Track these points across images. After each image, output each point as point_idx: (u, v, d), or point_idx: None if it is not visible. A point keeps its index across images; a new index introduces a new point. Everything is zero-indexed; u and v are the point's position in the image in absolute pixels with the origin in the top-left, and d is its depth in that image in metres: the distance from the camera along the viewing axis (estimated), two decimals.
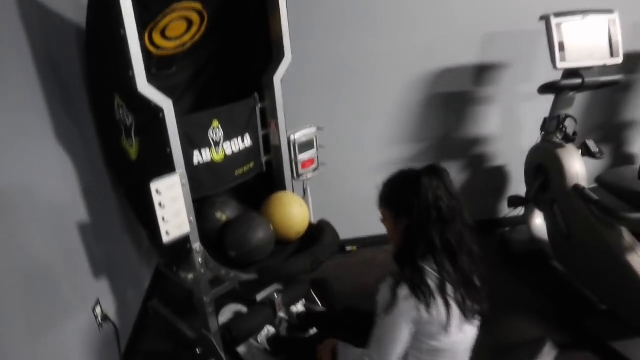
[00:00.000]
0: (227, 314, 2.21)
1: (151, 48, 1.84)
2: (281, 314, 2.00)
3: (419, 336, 1.32)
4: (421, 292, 1.26)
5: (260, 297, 2.27)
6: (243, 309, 2.23)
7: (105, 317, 1.94)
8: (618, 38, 2.18)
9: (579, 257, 2.31)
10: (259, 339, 2.10)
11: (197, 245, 1.80)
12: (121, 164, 1.95)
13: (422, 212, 1.29)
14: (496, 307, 2.16)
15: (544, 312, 2.30)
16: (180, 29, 1.91)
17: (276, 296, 1.98)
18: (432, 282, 1.28)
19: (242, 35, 2.09)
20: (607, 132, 2.93)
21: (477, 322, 1.39)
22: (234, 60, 2.16)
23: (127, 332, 2.18)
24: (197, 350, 2.09)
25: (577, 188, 2.10)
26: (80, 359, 1.74)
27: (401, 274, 1.32)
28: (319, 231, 1.98)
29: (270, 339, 2.06)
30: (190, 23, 1.92)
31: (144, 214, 1.98)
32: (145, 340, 2.28)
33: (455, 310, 1.28)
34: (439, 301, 1.27)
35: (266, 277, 1.68)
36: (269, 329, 2.11)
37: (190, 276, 1.85)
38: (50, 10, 1.76)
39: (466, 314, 1.31)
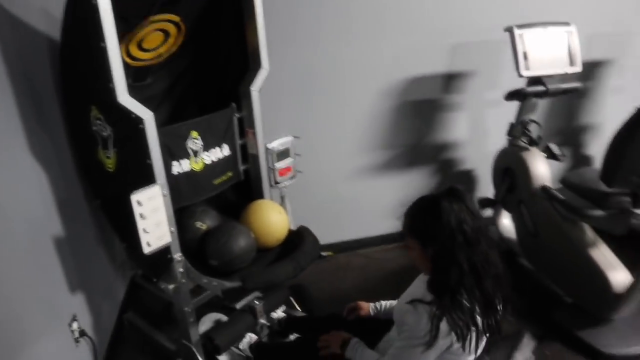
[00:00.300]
0: (207, 323, 2.21)
1: (127, 59, 1.84)
2: (262, 321, 2.01)
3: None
4: (459, 328, 1.24)
5: (239, 305, 2.29)
6: (223, 317, 2.24)
7: (82, 333, 1.90)
8: (576, 48, 2.32)
9: (545, 254, 2.42)
10: (240, 347, 2.11)
11: (177, 255, 1.80)
12: (97, 175, 1.93)
13: (447, 237, 1.26)
14: None
15: (516, 307, 2.39)
16: (157, 41, 1.92)
17: (257, 303, 1.99)
18: (465, 312, 1.27)
19: (218, 45, 2.11)
20: (567, 136, 3.09)
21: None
22: (210, 71, 2.17)
23: (104, 346, 2.14)
24: None
25: (545, 189, 2.22)
26: None
27: (439, 305, 1.27)
28: (298, 237, 2.01)
29: (253, 346, 2.07)
30: (167, 34, 1.93)
31: (122, 226, 1.97)
32: (122, 354, 2.24)
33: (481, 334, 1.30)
34: (472, 332, 1.27)
35: (250, 283, 1.70)
36: (251, 336, 2.12)
37: (171, 286, 1.84)
38: (22, 22, 1.73)
39: (485, 334, 1.33)
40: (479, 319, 1.28)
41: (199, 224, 1.93)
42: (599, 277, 2.08)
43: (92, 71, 1.61)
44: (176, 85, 2.19)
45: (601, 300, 2.10)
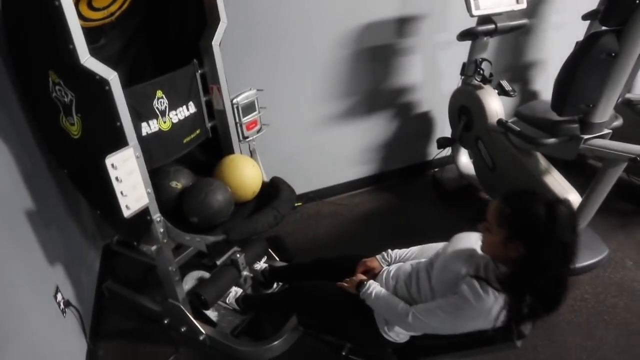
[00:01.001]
0: (190, 281, 2.24)
1: (79, 20, 1.76)
2: (245, 273, 2.06)
3: None
4: (512, 324, 1.27)
5: (219, 261, 2.33)
6: (205, 274, 2.27)
7: (67, 303, 1.90)
8: None
9: (503, 185, 2.59)
10: (227, 301, 2.16)
11: (157, 216, 1.81)
12: (61, 144, 1.86)
13: (551, 248, 1.20)
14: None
15: None
16: None
17: (239, 256, 2.04)
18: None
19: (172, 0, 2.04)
20: (514, 72, 3.24)
21: None
22: (166, 28, 2.10)
23: (89, 316, 2.15)
24: (165, 321, 2.12)
25: (501, 122, 2.35)
26: (50, 348, 1.70)
27: (510, 302, 1.26)
28: (273, 188, 2.05)
29: (240, 299, 2.13)
30: None
31: (94, 193, 1.93)
32: (108, 321, 2.25)
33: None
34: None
35: (234, 235, 1.73)
36: (236, 290, 2.18)
37: (154, 248, 1.86)
38: None
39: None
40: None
41: (174, 184, 1.92)
42: None
43: (47, 34, 1.54)
44: (130, 44, 2.11)
45: None
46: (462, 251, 1.46)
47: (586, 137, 2.05)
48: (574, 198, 2.26)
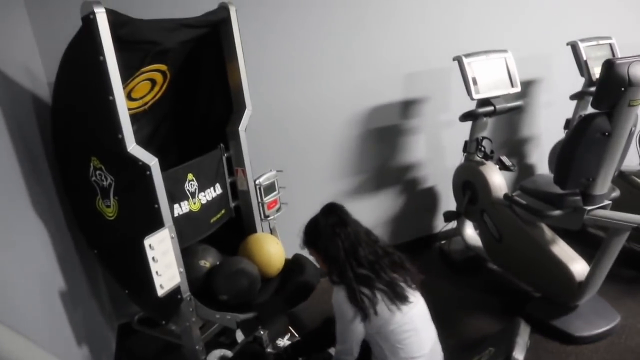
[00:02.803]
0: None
1: None
2: (269, 350, 2.07)
3: (378, 329, 1.60)
4: (362, 307, 1.57)
5: (240, 338, 2.34)
6: (228, 353, 2.26)
7: None
8: (514, 71, 2.65)
9: (510, 255, 2.68)
10: None
11: (187, 295, 1.86)
12: (94, 225, 1.94)
13: (329, 242, 1.67)
14: (450, 310, 2.47)
15: (491, 307, 2.62)
16: (144, 90, 2.00)
17: (262, 332, 2.06)
18: (366, 290, 1.59)
19: (199, 89, 2.22)
20: (511, 148, 3.44)
21: (418, 297, 1.70)
22: (192, 114, 2.27)
23: None
24: None
25: (507, 196, 2.48)
26: None
27: (347, 292, 1.60)
28: (297, 264, 2.13)
29: None
30: (153, 83, 2.02)
31: (124, 273, 1.98)
32: None
33: (390, 296, 1.60)
34: (379, 302, 1.58)
35: (266, 313, 1.78)
36: None
37: (182, 326, 1.89)
38: (11, 80, 1.76)
39: (401, 300, 1.61)
40: (380, 289, 1.60)
41: (202, 262, 1.99)
42: (562, 270, 2.34)
43: (95, 124, 1.67)
44: (159, 130, 2.26)
45: (566, 290, 2.36)
46: None
47: (589, 208, 2.18)
48: (581, 266, 2.34)
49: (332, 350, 1.99)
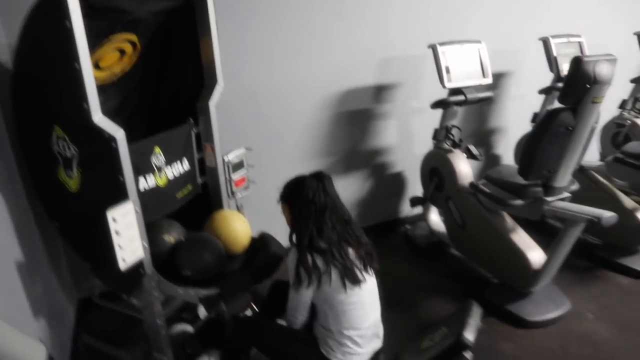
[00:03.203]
0: (173, 334, 2.21)
1: None
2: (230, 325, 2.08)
3: (325, 297, 1.67)
4: (308, 275, 1.63)
5: (202, 314, 2.34)
6: (188, 327, 2.27)
7: (50, 358, 1.85)
8: (487, 62, 2.69)
9: (472, 242, 2.76)
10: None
11: (150, 269, 1.84)
12: (55, 197, 1.88)
13: (303, 205, 1.71)
14: (411, 293, 2.52)
15: (451, 292, 2.71)
16: (113, 59, 1.94)
17: (224, 309, 2.07)
18: (320, 261, 1.64)
19: (170, 62, 2.16)
20: (479, 138, 3.52)
21: (370, 278, 1.75)
22: (161, 87, 2.21)
23: None
24: None
25: (473, 185, 2.54)
26: None
27: (298, 257, 1.66)
28: (262, 242, 2.13)
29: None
30: (122, 53, 1.96)
31: (86, 246, 1.94)
32: None
33: (342, 275, 1.65)
34: (331, 275, 1.64)
35: (229, 289, 1.78)
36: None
37: (143, 301, 1.87)
38: None
39: (353, 282, 1.66)
40: (337, 264, 1.65)
41: (166, 237, 1.96)
42: (519, 258, 2.43)
43: (59, 92, 1.61)
44: (127, 102, 2.20)
45: (523, 277, 2.45)
46: None
47: (549, 199, 2.26)
48: (538, 254, 2.44)
49: (281, 321, 2.03)
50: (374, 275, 1.78)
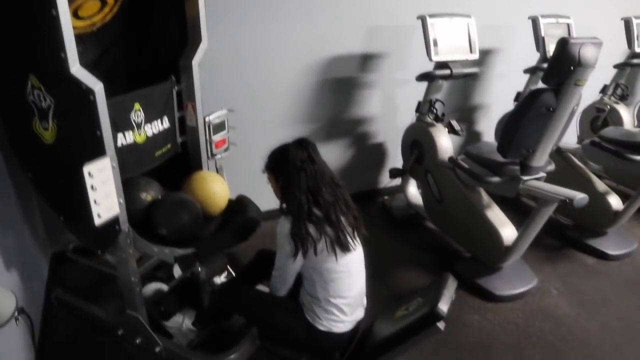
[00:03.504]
0: (147, 293, 2.23)
1: None
2: (205, 286, 2.10)
3: (314, 264, 1.68)
4: (303, 244, 1.62)
5: (177, 273, 2.35)
6: (163, 286, 2.28)
7: (21, 310, 1.85)
8: (475, 38, 2.68)
9: (448, 216, 2.81)
10: (183, 326, 2.16)
11: (125, 226, 1.83)
12: (30, 148, 1.84)
13: (293, 174, 1.67)
14: (386, 263, 2.56)
15: (425, 263, 2.78)
16: (93, 9, 1.87)
17: (199, 269, 2.08)
18: (312, 229, 1.63)
19: (152, 17, 2.09)
20: (462, 113, 3.53)
21: (357, 246, 1.76)
22: (144, 42, 2.15)
23: (37, 325, 2.09)
24: (119, 332, 2.10)
25: (452, 159, 2.57)
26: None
27: (292, 226, 1.64)
28: (240, 205, 2.13)
29: (195, 319, 2.13)
30: (103, 3, 1.89)
31: (60, 199, 1.92)
32: (56, 332, 2.19)
33: (333, 243, 1.64)
34: (324, 243, 1.63)
35: (205, 249, 1.79)
36: (190, 314, 2.17)
37: (118, 257, 1.87)
38: None
39: (343, 248, 1.66)
40: (327, 233, 1.64)
41: (143, 195, 1.95)
42: (492, 233, 2.49)
43: (36, 40, 1.56)
44: (106, 54, 2.13)
45: (494, 253, 2.52)
46: None
47: (525, 178, 2.30)
48: (511, 231, 2.50)
49: (262, 287, 2.06)
50: (360, 244, 1.78)
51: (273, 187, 1.82)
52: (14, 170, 2.04)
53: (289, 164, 1.69)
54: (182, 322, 2.13)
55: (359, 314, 1.82)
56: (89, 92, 1.57)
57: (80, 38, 1.94)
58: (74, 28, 1.83)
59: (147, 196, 1.96)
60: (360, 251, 1.79)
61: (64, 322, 2.24)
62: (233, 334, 2.08)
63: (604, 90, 3.59)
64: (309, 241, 1.62)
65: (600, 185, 2.99)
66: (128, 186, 1.94)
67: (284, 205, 1.72)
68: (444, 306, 1.50)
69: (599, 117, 3.61)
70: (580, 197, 2.13)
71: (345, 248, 1.67)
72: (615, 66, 3.47)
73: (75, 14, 1.80)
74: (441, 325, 1.49)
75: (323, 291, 1.70)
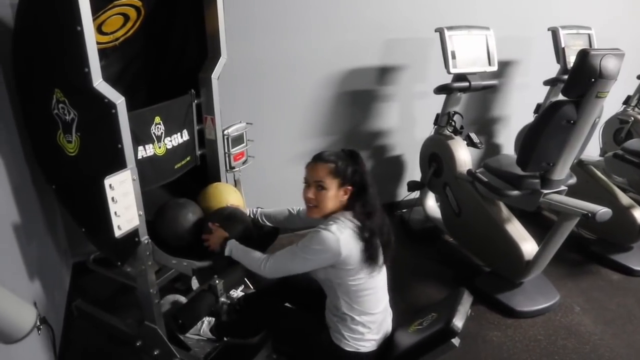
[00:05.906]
0: (165, 305, 2.25)
1: None
2: (223, 299, 2.10)
3: (341, 279, 1.63)
4: (372, 250, 1.59)
5: (195, 286, 2.37)
6: (181, 298, 2.30)
7: (43, 320, 1.87)
8: (494, 50, 2.66)
9: (467, 230, 2.78)
10: (201, 332, 2.17)
11: (145, 238, 1.85)
12: (54, 160, 1.88)
13: (367, 179, 1.67)
14: (404, 277, 2.53)
15: (443, 277, 2.74)
16: (116, 24, 1.92)
17: (217, 281, 2.09)
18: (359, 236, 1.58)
19: (173, 31, 2.14)
20: (481, 126, 3.50)
21: (383, 265, 1.72)
22: (164, 56, 2.19)
23: (59, 334, 2.11)
24: (137, 343, 2.12)
25: (471, 172, 2.54)
26: None
27: (360, 230, 1.59)
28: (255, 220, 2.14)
29: (213, 327, 2.15)
30: (126, 18, 1.93)
31: (82, 211, 1.95)
32: (76, 342, 2.22)
33: (368, 259, 1.60)
34: (361, 258, 1.59)
35: (223, 262, 1.80)
36: (209, 320, 2.20)
37: (137, 269, 1.89)
38: None
39: (374, 263, 1.63)
40: (368, 248, 1.60)
41: (190, 216, 1.97)
42: (512, 248, 2.45)
43: (61, 55, 1.60)
44: (127, 69, 2.18)
45: (514, 267, 2.47)
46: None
47: (546, 192, 2.27)
48: (531, 245, 2.46)
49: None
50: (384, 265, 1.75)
51: (326, 196, 1.67)
52: (38, 181, 2.08)
53: (362, 168, 1.68)
54: (200, 328, 2.16)
55: (386, 328, 1.78)
56: (111, 105, 1.60)
57: (103, 52, 2.00)
58: (98, 43, 1.90)
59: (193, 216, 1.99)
60: (384, 271, 1.76)
61: (84, 331, 2.27)
62: (249, 347, 2.08)
63: (627, 101, 3.52)
64: (373, 248, 1.60)
65: (625, 198, 2.92)
66: (178, 208, 1.97)
67: (357, 213, 1.64)
68: (458, 322, 1.48)
69: (622, 129, 3.54)
70: (602, 211, 2.08)
71: (377, 265, 1.64)
72: (639, 77, 3.41)
73: (99, 29, 1.85)
74: (456, 341, 1.46)
75: (350, 308, 1.67)
